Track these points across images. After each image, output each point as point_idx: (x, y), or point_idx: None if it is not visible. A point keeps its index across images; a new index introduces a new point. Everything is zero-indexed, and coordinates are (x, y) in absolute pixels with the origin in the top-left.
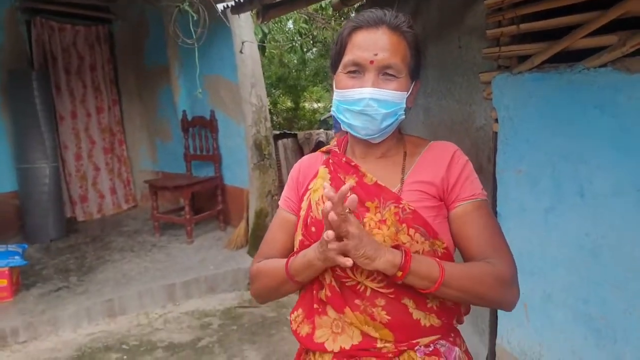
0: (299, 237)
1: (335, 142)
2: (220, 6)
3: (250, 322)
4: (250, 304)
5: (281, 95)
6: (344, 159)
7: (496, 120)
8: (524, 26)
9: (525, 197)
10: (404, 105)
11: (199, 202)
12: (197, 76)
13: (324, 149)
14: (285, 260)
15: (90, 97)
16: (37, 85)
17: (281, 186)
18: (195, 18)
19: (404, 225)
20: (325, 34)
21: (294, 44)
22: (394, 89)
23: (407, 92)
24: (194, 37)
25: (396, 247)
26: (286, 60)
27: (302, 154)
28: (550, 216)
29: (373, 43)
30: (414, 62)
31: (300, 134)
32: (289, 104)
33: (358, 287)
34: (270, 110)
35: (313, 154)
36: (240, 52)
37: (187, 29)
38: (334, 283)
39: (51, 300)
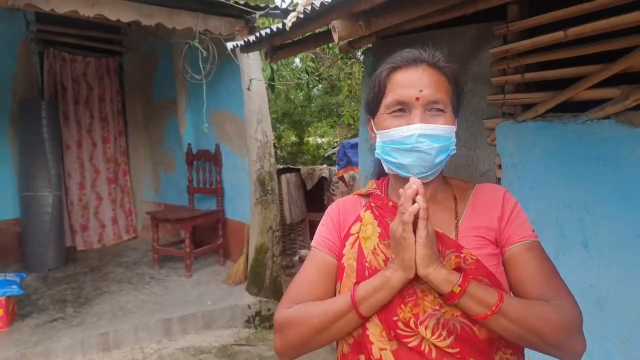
0: (350, 289)
1: (375, 185)
2: (229, 45)
3: None
4: (246, 342)
5: (286, 130)
6: (390, 202)
7: (500, 167)
8: (529, 75)
9: None
10: (454, 140)
11: (200, 235)
12: (204, 111)
13: (362, 191)
14: (342, 297)
15: (97, 127)
16: (46, 114)
17: (283, 222)
18: (204, 55)
19: None
20: (331, 72)
21: (300, 80)
22: (443, 123)
23: (455, 126)
24: (203, 72)
25: (457, 269)
26: (292, 97)
27: (305, 189)
28: (555, 266)
29: (416, 80)
30: (456, 98)
31: (304, 169)
32: (294, 138)
33: (422, 347)
34: (274, 144)
35: (348, 196)
36: (248, 89)
37: (196, 64)
38: (394, 343)
39: (46, 332)
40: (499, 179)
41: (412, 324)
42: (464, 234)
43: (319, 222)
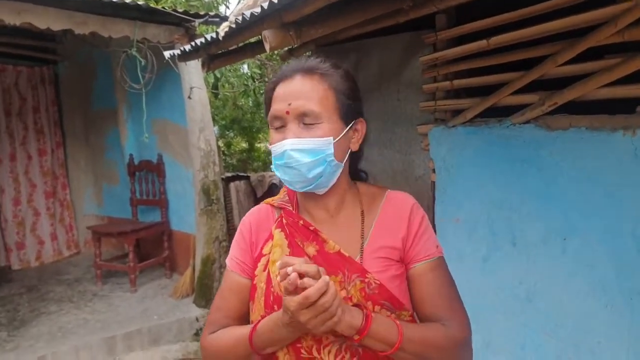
0: (260, 311)
1: (286, 195)
2: (166, 53)
3: None
4: (195, 356)
5: (235, 137)
6: (301, 222)
7: (434, 170)
8: (457, 82)
9: (463, 245)
10: (332, 151)
11: (145, 248)
12: (144, 121)
13: (273, 202)
14: (246, 331)
15: (32, 139)
16: None
17: (230, 232)
18: (143, 63)
19: (369, 302)
20: None
21: (248, 87)
22: (316, 136)
23: (336, 136)
24: (142, 81)
25: (356, 305)
26: (240, 103)
27: (255, 197)
28: (487, 264)
29: (288, 93)
30: (342, 102)
31: (253, 176)
32: (244, 145)
33: None
34: (224, 152)
35: (261, 207)
36: (189, 97)
37: (135, 73)
38: None
39: None
40: (434, 182)
41: (314, 351)
42: (369, 255)
43: None
